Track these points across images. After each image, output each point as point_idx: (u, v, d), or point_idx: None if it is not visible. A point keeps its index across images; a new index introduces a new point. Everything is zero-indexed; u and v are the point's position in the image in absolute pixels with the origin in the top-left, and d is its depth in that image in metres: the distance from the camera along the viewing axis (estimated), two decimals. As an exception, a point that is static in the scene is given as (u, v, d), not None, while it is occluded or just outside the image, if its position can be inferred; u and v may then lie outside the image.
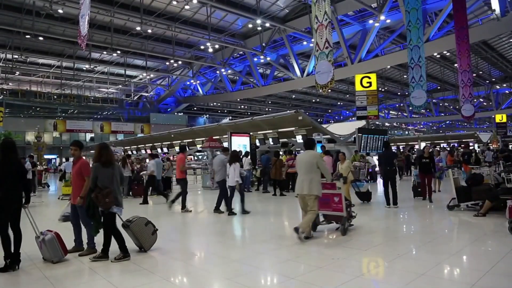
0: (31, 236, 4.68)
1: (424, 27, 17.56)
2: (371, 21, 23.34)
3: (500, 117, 35.92)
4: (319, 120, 56.08)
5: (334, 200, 5.79)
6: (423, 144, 30.74)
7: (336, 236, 5.72)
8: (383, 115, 52.24)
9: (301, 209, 5.66)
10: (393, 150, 9.93)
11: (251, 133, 16.19)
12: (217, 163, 8.41)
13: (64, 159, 22.50)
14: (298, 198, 5.58)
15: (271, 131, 16.36)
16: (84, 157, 5.18)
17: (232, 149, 12.20)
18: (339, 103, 56.93)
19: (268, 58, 30.78)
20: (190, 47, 31.70)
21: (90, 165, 4.91)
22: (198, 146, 21.75)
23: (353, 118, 45.63)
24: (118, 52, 30.81)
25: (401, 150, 23.46)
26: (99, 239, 4.79)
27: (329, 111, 62.57)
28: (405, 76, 38.41)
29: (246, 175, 12.98)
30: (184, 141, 23.63)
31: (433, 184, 10.15)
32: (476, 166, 10.80)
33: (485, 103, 46.61)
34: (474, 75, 30.75)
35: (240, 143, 14.96)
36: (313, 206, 5.35)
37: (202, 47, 30.45)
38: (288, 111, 16.02)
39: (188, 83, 42.08)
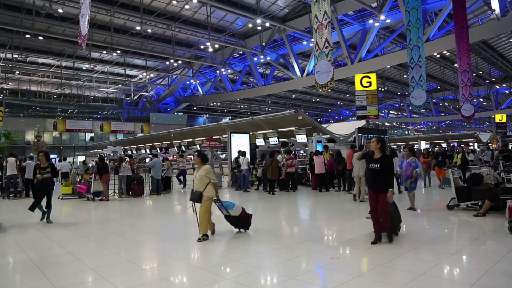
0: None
1: (424, 27, 17.54)
2: (371, 21, 23.32)
3: (500, 117, 35.86)
4: (319, 119, 56.08)
5: None
6: (423, 144, 30.38)
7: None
8: (383, 115, 52.29)
9: (356, 185, 9.51)
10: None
11: (251, 133, 16.19)
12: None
13: (63, 159, 22.41)
14: (355, 176, 9.37)
15: (271, 130, 16.34)
16: None
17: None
18: (339, 102, 56.93)
19: (268, 58, 30.75)
20: (190, 46, 31.68)
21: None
22: (198, 146, 21.75)
23: (353, 118, 45.64)
24: (118, 51, 30.79)
25: None
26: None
27: (329, 110, 62.59)
28: (405, 76, 38.41)
29: (245, 175, 13.00)
30: (184, 140, 23.63)
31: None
32: (473, 166, 10.81)
33: (485, 103, 46.60)
34: (474, 75, 30.77)
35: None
36: (363, 182, 8.98)
37: (202, 46, 30.43)
38: (288, 111, 15.98)
39: (188, 82, 42.06)
